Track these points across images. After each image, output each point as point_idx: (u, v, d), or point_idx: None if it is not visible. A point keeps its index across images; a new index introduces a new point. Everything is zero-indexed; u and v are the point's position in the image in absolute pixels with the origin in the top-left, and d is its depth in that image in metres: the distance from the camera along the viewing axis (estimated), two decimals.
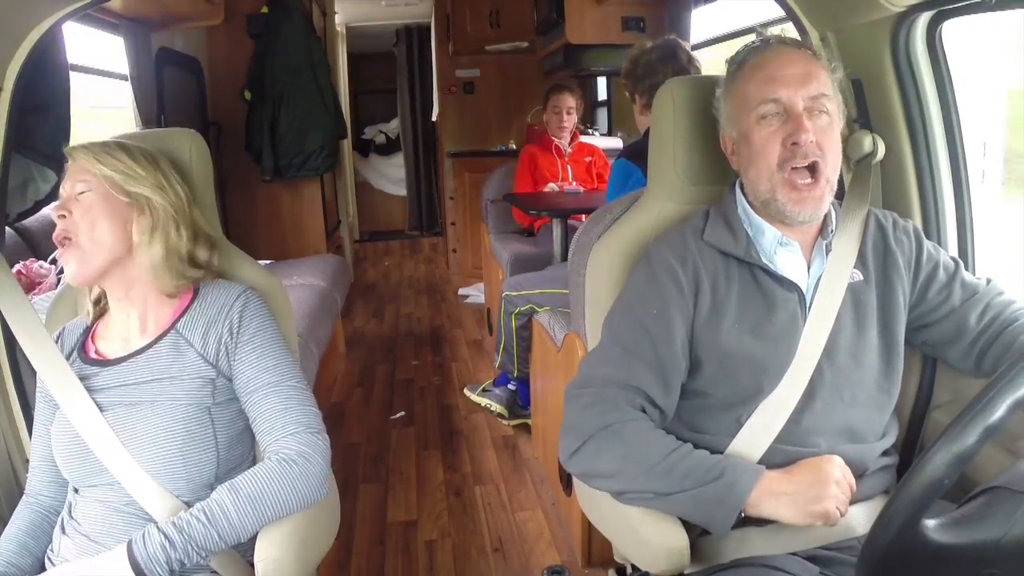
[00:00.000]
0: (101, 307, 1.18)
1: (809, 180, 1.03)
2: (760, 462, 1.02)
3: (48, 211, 2.25)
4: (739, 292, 1.08)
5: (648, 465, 0.99)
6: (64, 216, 1.07)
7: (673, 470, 0.98)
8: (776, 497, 0.95)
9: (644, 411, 1.05)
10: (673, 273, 1.09)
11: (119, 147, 1.12)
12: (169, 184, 1.14)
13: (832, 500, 0.94)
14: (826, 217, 1.10)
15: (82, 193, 1.08)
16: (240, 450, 1.13)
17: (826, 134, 1.03)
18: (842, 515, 0.95)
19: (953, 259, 1.14)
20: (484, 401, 2.90)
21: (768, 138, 1.04)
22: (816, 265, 1.09)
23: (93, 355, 1.13)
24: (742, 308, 1.07)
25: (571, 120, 3.43)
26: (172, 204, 1.13)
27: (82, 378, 1.09)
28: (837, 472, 0.96)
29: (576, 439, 1.04)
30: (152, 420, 1.05)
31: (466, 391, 3.08)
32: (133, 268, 1.12)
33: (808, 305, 1.07)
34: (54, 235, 1.08)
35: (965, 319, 1.09)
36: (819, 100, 1.04)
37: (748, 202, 1.12)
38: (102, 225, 1.08)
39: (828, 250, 1.09)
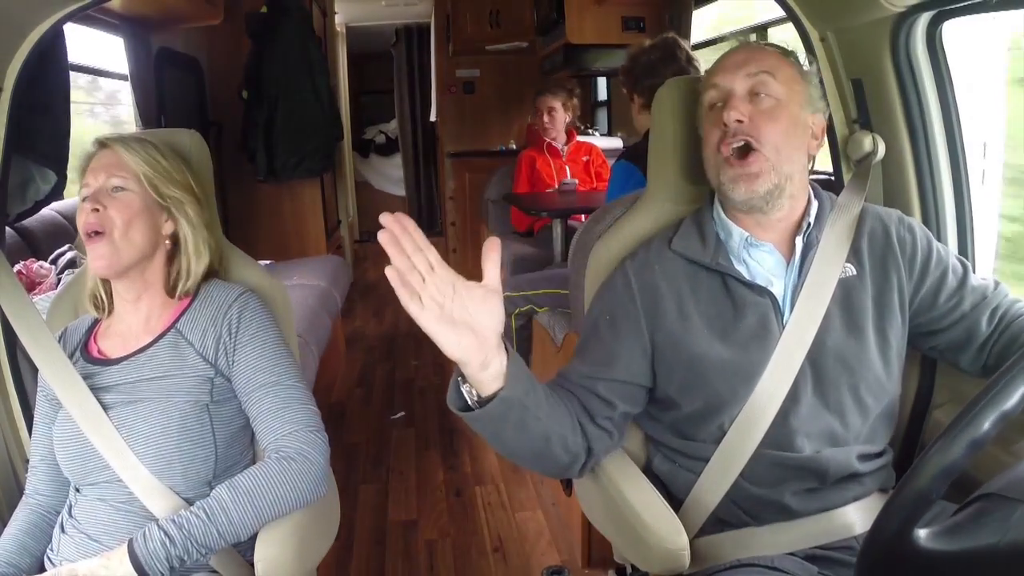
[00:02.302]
0: (103, 307, 1.18)
1: (738, 152, 1.03)
2: (746, 467, 1.02)
3: (52, 209, 2.25)
4: (707, 299, 1.07)
5: None
6: (98, 210, 1.06)
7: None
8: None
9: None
10: (628, 283, 1.10)
11: (152, 144, 1.13)
12: (198, 187, 1.17)
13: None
14: (804, 213, 1.09)
15: (119, 189, 1.09)
16: (238, 448, 1.13)
17: (768, 116, 1.03)
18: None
19: (960, 262, 1.12)
20: None
21: (711, 125, 1.07)
22: (795, 264, 1.07)
23: (96, 354, 1.14)
24: (709, 315, 1.06)
25: (555, 120, 3.43)
26: (199, 212, 1.16)
27: (85, 376, 1.09)
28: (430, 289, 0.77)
29: None
30: (151, 417, 1.05)
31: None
32: (150, 270, 1.13)
33: (789, 306, 1.05)
34: (83, 226, 1.07)
35: (976, 324, 1.07)
36: (759, 82, 1.04)
37: (723, 204, 1.12)
38: (137, 225, 1.09)
39: (809, 246, 1.07)
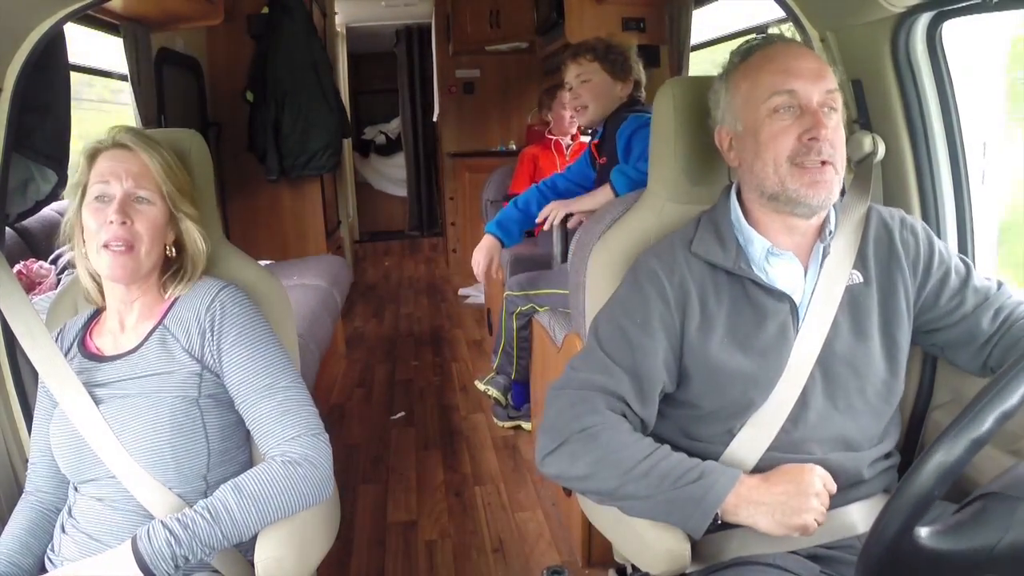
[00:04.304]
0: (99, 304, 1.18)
1: (820, 164, 1.01)
2: (753, 470, 1.02)
3: (52, 209, 2.24)
4: (729, 305, 1.06)
5: (624, 469, 0.98)
6: (126, 223, 1.05)
7: (649, 473, 0.97)
8: (754, 505, 0.94)
9: (624, 416, 1.04)
10: (659, 285, 1.07)
11: (164, 148, 1.12)
12: (195, 187, 1.17)
13: (811, 513, 0.93)
14: (824, 220, 1.09)
15: (145, 202, 1.08)
16: (234, 441, 1.13)
17: (837, 132, 1.02)
18: (819, 525, 0.93)
19: (964, 262, 1.12)
20: (491, 391, 2.87)
21: (781, 132, 1.01)
22: (813, 270, 1.07)
23: (93, 350, 1.14)
24: (731, 322, 1.06)
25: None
26: (198, 218, 1.16)
27: (82, 372, 1.09)
28: (818, 483, 0.95)
29: (552, 440, 1.03)
30: (142, 413, 1.05)
31: (477, 383, 3.04)
32: (152, 275, 1.13)
33: (802, 314, 1.05)
34: (107, 236, 1.05)
35: (978, 324, 1.08)
36: (832, 96, 1.02)
37: (743, 208, 1.10)
38: (159, 239, 1.10)
39: (826, 254, 1.07)
